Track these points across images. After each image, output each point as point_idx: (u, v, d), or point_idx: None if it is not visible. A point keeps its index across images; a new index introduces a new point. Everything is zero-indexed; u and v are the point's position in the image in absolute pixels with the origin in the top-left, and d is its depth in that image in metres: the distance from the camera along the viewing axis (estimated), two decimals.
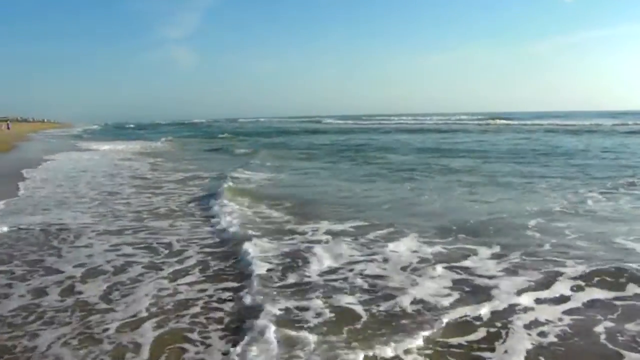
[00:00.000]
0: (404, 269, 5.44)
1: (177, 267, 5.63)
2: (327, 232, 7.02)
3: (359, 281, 5.05)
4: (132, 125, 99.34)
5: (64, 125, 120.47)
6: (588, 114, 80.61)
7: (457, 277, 5.19)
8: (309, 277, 5.19)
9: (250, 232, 6.99)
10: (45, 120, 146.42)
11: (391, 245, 6.28)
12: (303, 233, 7.02)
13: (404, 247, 6.22)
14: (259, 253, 5.92)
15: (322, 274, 5.30)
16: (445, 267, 5.46)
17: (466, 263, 5.64)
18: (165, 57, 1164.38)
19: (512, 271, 5.31)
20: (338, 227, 7.35)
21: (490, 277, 5.15)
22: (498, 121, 60.05)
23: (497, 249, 6.12)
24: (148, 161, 19.32)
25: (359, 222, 7.65)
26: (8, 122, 79.17)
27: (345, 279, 5.13)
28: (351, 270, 5.41)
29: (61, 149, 26.22)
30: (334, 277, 5.20)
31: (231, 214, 8.16)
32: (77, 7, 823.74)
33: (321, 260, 5.69)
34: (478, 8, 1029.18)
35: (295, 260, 5.75)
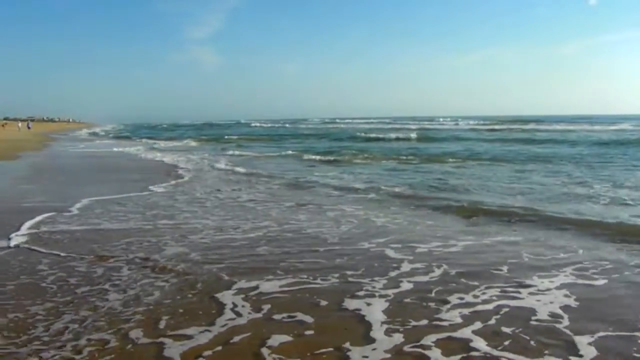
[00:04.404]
0: None
1: None
2: None
3: None
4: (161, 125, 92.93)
5: (89, 125, 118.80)
6: (617, 118, 71.02)
7: None
8: None
9: None
10: (71, 120, 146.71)
11: None
12: None
13: None
14: None
15: None
16: None
17: None
18: (188, 58, 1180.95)
19: None
20: None
21: None
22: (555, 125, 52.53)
23: None
24: None
25: None
26: (28, 121, 77.04)
27: None
28: None
29: None
30: None
31: None
32: (105, 8, 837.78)
33: None
34: (501, 10, 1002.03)
35: None
